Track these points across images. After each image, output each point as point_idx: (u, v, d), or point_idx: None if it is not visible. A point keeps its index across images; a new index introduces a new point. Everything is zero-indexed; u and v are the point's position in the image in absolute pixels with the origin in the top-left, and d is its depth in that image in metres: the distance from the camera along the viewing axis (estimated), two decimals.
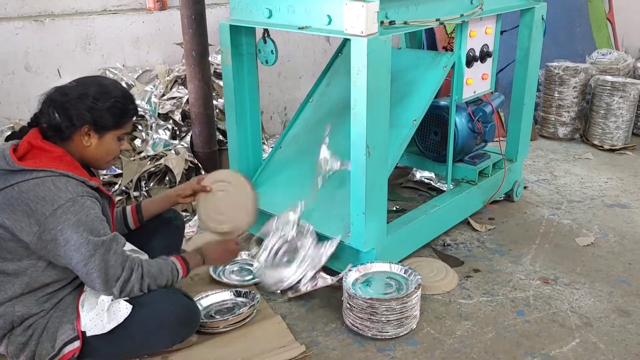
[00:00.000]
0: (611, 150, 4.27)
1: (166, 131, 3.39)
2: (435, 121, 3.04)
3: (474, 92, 2.93)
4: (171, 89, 3.55)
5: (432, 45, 3.62)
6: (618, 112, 4.24)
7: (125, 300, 1.86)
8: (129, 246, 2.11)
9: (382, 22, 2.22)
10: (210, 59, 3.45)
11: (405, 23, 2.32)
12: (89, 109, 1.85)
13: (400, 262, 2.61)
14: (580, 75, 4.37)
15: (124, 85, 3.41)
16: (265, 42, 2.68)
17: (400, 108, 2.68)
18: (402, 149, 2.60)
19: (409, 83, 2.79)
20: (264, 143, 3.90)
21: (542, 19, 3.15)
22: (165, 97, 3.48)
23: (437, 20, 2.48)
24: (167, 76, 3.57)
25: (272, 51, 2.67)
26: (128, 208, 2.35)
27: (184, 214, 3.14)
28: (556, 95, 4.44)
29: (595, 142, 4.37)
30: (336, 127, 2.84)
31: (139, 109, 3.31)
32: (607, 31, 5.65)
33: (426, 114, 2.72)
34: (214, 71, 3.61)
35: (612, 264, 2.77)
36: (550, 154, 4.26)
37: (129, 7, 3.75)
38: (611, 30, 5.72)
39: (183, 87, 3.52)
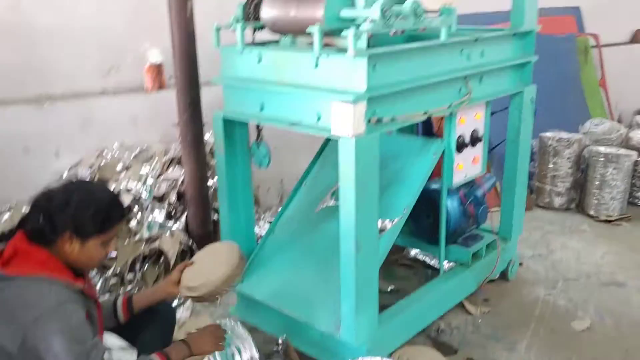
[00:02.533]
0: (607, 221, 4.27)
1: (162, 211, 3.42)
2: (427, 205, 3.05)
3: (465, 176, 2.96)
4: (167, 168, 3.59)
5: (428, 125, 3.68)
6: (612, 183, 4.26)
7: None
8: (118, 342, 2.09)
9: (369, 120, 2.26)
10: (207, 137, 3.51)
11: (392, 119, 2.37)
12: (71, 217, 1.86)
13: (392, 353, 2.59)
14: (574, 146, 4.42)
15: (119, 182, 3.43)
16: (258, 146, 2.74)
17: (391, 196, 2.70)
18: (393, 238, 2.61)
19: (400, 170, 2.82)
20: (259, 219, 3.93)
21: (532, 101, 3.21)
22: (161, 178, 3.52)
23: (425, 113, 2.53)
24: (164, 156, 3.63)
25: (265, 154, 2.73)
26: (119, 301, 2.33)
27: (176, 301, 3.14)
28: (551, 165, 4.48)
29: (591, 213, 4.37)
30: (328, 214, 2.87)
31: (135, 190, 3.38)
32: (600, 98, 5.73)
33: (418, 198, 2.74)
34: (210, 150, 3.66)
35: (609, 352, 2.74)
36: (547, 225, 4.26)
37: (127, 88, 3.83)
38: (604, 96, 5.81)
39: (179, 166, 3.56)
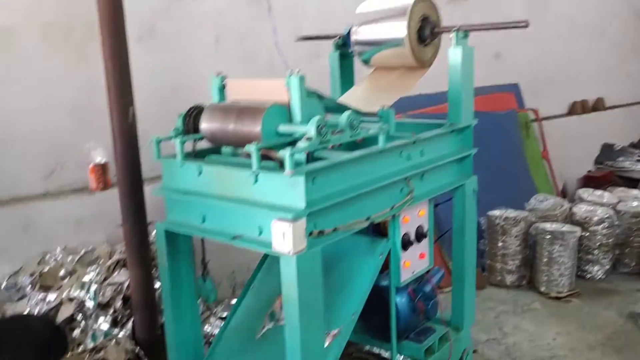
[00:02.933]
0: (557, 298, 4.33)
1: (107, 319, 3.30)
2: (376, 302, 3.02)
3: (413, 273, 2.96)
4: (113, 271, 3.49)
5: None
6: (560, 259, 4.35)
7: None
8: None
9: (311, 233, 2.26)
10: (151, 237, 3.44)
11: (335, 230, 2.37)
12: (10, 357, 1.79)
13: None
14: (521, 224, 4.52)
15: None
16: (204, 280, 2.72)
17: (339, 301, 2.68)
18: (342, 346, 2.56)
19: (346, 272, 2.81)
20: (211, 315, 3.83)
21: (474, 192, 3.27)
22: (106, 282, 3.41)
23: (367, 219, 2.55)
24: (109, 258, 3.53)
25: (211, 290, 2.72)
26: None
27: None
28: (500, 244, 4.55)
29: (542, 289, 4.43)
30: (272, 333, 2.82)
31: (78, 298, 3.27)
32: (544, 170, 5.92)
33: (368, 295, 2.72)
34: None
35: None
36: (500, 305, 4.29)
37: (70, 189, 3.76)
38: (547, 167, 6.00)
39: (125, 269, 3.47)
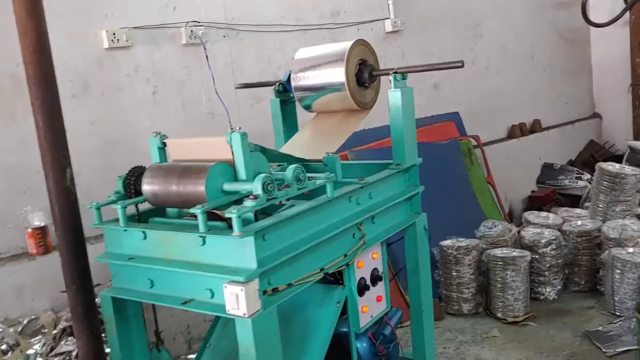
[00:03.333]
0: (515, 323, 4.37)
1: None
2: (337, 350, 2.96)
3: (371, 317, 2.93)
4: (59, 340, 3.32)
5: None
6: (513, 284, 4.41)
7: None
8: None
9: (265, 292, 2.20)
10: (99, 301, 3.30)
11: (289, 285, 2.32)
12: None
13: None
14: (473, 253, 4.57)
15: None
16: (159, 350, 2.62)
17: (299, 353, 2.61)
18: None
19: (305, 323, 2.74)
20: None
21: (425, 229, 3.29)
22: (53, 353, 3.24)
23: (322, 270, 2.51)
24: (54, 327, 3.36)
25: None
26: None
27: None
28: (454, 273, 4.58)
29: (499, 315, 4.47)
30: None
31: None
32: (489, 194, 6.04)
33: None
34: None
35: None
36: (459, 335, 4.30)
37: (8, 254, 3.58)
38: (493, 192, 6.13)
39: (72, 338, 3.30)
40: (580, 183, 6.75)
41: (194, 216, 2.41)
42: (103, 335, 3.19)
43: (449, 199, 5.48)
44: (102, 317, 3.25)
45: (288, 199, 2.46)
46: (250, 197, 2.17)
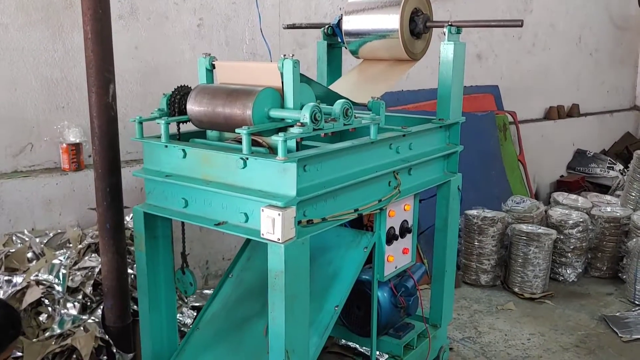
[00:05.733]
0: (531, 299, 4.35)
1: (76, 304, 3.17)
2: (358, 296, 2.98)
3: (396, 267, 2.92)
4: (83, 256, 3.36)
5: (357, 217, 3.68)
6: (535, 261, 4.37)
7: None
8: None
9: (299, 222, 2.19)
10: (127, 219, 3.33)
11: (323, 219, 2.31)
12: None
13: None
14: (498, 225, 4.52)
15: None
16: (183, 272, 2.63)
17: (322, 293, 2.62)
18: (324, 338, 2.52)
19: (330, 264, 2.75)
20: (184, 303, 3.73)
21: (458, 189, 3.25)
22: (76, 267, 3.28)
23: (356, 210, 2.49)
24: (80, 242, 3.40)
25: (190, 283, 2.63)
26: None
27: None
28: (476, 243, 4.55)
29: (516, 290, 4.45)
30: (257, 309, 2.75)
31: (46, 282, 3.14)
32: (519, 172, 5.96)
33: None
34: (131, 235, 3.47)
35: None
36: (474, 304, 4.29)
37: (42, 167, 3.61)
38: (523, 170, 6.05)
39: (96, 254, 3.34)
40: (612, 173, 6.63)
41: (236, 141, 2.41)
42: (128, 256, 3.24)
43: (479, 171, 5.42)
44: (132, 233, 3.29)
45: (333, 134, 2.42)
46: (297, 124, 2.14)
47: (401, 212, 2.89)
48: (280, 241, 2.08)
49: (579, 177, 6.65)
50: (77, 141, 3.60)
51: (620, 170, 6.62)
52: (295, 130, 2.12)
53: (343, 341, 3.55)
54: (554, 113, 6.76)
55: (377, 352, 3.14)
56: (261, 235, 2.13)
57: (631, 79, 7.95)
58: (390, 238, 2.82)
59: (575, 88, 7.08)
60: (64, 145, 3.58)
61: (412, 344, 3.13)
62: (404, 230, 2.92)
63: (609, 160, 6.82)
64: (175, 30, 3.98)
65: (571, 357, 3.55)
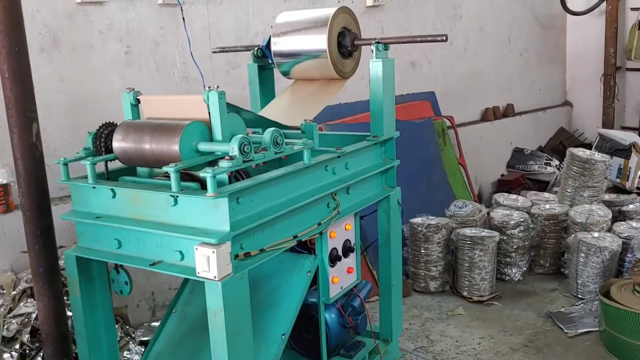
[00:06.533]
0: (480, 302, 4.42)
1: (13, 354, 3.03)
2: (305, 320, 2.94)
3: (341, 288, 2.91)
4: (19, 302, 3.22)
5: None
6: (481, 264, 4.45)
7: None
8: None
9: (236, 256, 2.15)
10: (62, 262, 3.21)
11: (261, 250, 2.28)
12: None
13: None
14: (442, 231, 4.59)
15: None
16: (117, 272, 2.53)
17: (267, 321, 2.58)
18: None
19: (274, 291, 2.71)
20: (131, 338, 3.62)
21: (398, 202, 3.27)
22: (11, 314, 3.14)
23: (295, 237, 2.47)
24: (13, 288, 3.25)
25: (126, 282, 2.53)
26: None
27: None
28: (422, 251, 4.60)
29: (465, 294, 4.52)
30: (202, 346, 2.68)
31: None
32: (461, 176, 6.07)
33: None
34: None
35: None
36: (425, 311, 4.33)
37: None
38: (464, 172, 6.16)
39: (32, 299, 3.20)
40: (549, 169, 6.83)
41: (166, 176, 2.35)
42: (65, 298, 3.11)
43: (421, 178, 5.49)
44: (66, 278, 3.16)
45: (264, 163, 2.39)
46: (226, 158, 2.10)
47: (342, 232, 2.89)
48: (216, 279, 2.03)
49: (518, 175, 6.83)
50: (5, 182, 3.46)
51: (556, 165, 6.83)
52: (224, 164, 2.08)
53: None
54: (490, 114, 6.93)
55: None
56: (197, 274, 2.08)
57: (560, 76, 8.23)
58: (334, 259, 2.81)
59: (508, 88, 7.28)
60: None
61: None
62: (347, 249, 2.91)
63: (546, 156, 7.03)
64: (102, 59, 3.88)
65: (520, 357, 3.63)
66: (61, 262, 3.18)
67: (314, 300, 2.92)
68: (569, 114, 8.27)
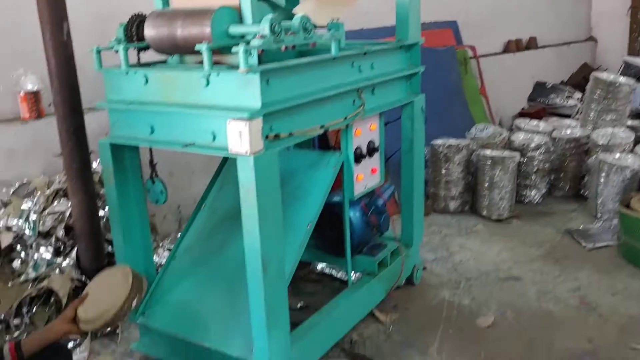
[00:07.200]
0: (499, 221, 4.48)
1: (49, 249, 3.16)
2: (330, 218, 3.03)
3: (365, 187, 2.98)
4: (52, 202, 3.34)
5: (323, 141, 3.70)
6: (500, 184, 4.48)
7: None
8: None
9: (267, 137, 2.21)
10: (94, 165, 3.31)
11: (290, 134, 2.33)
12: None
13: None
14: (463, 152, 4.61)
15: None
16: (153, 182, 2.62)
17: (294, 212, 2.66)
18: (299, 255, 2.56)
19: (300, 185, 2.79)
20: (159, 245, 3.74)
21: (422, 110, 3.30)
22: (46, 212, 3.26)
23: (322, 127, 2.52)
24: (47, 189, 3.37)
25: (161, 191, 2.63)
26: (5, 348, 2.12)
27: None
28: (443, 172, 4.64)
29: (484, 214, 4.57)
30: (231, 235, 2.78)
31: (16, 228, 3.11)
32: (481, 105, 6.05)
33: (321, 212, 2.72)
34: (99, 179, 3.45)
35: (513, 345, 2.85)
36: (444, 228, 4.41)
37: (1, 118, 3.53)
38: (485, 103, 6.14)
39: (65, 199, 3.32)
40: (571, 102, 6.76)
41: (197, 63, 2.40)
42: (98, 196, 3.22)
43: (442, 104, 5.47)
44: (101, 175, 3.26)
45: (293, 47, 2.43)
46: (257, 37, 2.14)
47: (367, 131, 2.93)
48: (248, 153, 2.10)
49: (539, 108, 6.76)
50: (35, 89, 3.52)
51: (578, 99, 6.76)
52: (255, 42, 2.11)
53: (319, 268, 3.63)
54: (513, 46, 6.84)
55: (353, 274, 3.21)
56: (229, 151, 2.15)
57: (586, 11, 8.05)
58: (358, 157, 2.87)
59: (532, 21, 7.15)
60: (22, 93, 3.50)
61: (385, 262, 3.22)
62: (371, 149, 2.97)
63: (568, 90, 6.94)
64: None
65: (539, 266, 3.69)
66: (94, 167, 3.28)
67: (338, 199, 3.00)
68: (593, 49, 8.12)
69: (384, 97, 2.99)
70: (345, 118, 2.67)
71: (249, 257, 2.23)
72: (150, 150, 2.64)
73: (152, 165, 2.67)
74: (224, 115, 2.15)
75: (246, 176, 2.13)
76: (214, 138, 2.24)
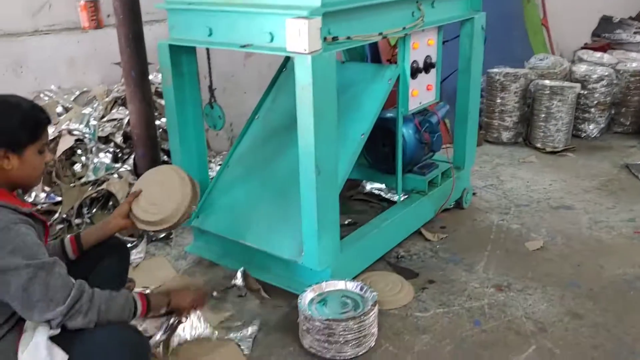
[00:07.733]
0: (553, 153, 4.38)
1: (107, 154, 3.27)
2: (383, 133, 3.02)
3: (420, 103, 2.94)
4: (111, 110, 3.43)
5: (376, 58, 3.64)
6: (557, 115, 4.35)
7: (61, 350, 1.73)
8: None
9: (325, 39, 2.19)
10: (151, 77, 3.35)
11: (348, 38, 2.30)
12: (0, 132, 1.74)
13: (354, 278, 2.59)
14: (520, 81, 4.48)
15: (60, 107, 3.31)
16: (212, 107, 2.64)
17: (348, 122, 2.65)
18: (351, 164, 2.58)
19: (355, 97, 2.77)
20: (210, 161, 3.82)
21: (482, 28, 3.19)
22: (105, 119, 3.35)
23: (380, 34, 2.47)
24: (106, 97, 3.45)
25: (219, 116, 2.66)
26: (66, 239, 2.22)
27: (130, 238, 3.04)
28: (498, 101, 4.53)
29: (538, 145, 4.47)
30: (285, 144, 2.80)
31: (77, 132, 3.22)
32: (542, 36, 5.81)
33: (373, 127, 2.70)
34: (155, 90, 3.51)
35: (562, 267, 2.82)
36: (496, 158, 4.34)
37: (62, 27, 3.60)
38: (546, 34, 5.89)
39: (124, 107, 3.40)
40: (638, 38, 6.41)
41: None
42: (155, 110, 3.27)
43: (501, 33, 5.26)
44: (157, 86, 3.31)
45: None
46: None
47: (425, 46, 2.86)
48: (307, 52, 2.08)
49: (604, 44, 6.45)
50: None
51: None
52: None
53: (368, 188, 3.64)
54: None
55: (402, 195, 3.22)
56: (287, 49, 2.14)
57: None
58: (415, 71, 2.81)
59: None
60: (82, 2, 3.55)
61: (436, 182, 3.21)
62: (428, 65, 2.90)
63: (636, 25, 6.58)
64: None
65: (593, 197, 3.61)
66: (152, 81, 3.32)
67: (392, 115, 2.97)
68: None
69: (444, 11, 2.90)
70: (404, 28, 2.61)
71: (302, 159, 2.25)
72: (210, 73, 2.66)
73: (211, 90, 2.69)
74: (283, 14, 2.13)
75: (303, 75, 2.12)
76: (272, 39, 2.23)
